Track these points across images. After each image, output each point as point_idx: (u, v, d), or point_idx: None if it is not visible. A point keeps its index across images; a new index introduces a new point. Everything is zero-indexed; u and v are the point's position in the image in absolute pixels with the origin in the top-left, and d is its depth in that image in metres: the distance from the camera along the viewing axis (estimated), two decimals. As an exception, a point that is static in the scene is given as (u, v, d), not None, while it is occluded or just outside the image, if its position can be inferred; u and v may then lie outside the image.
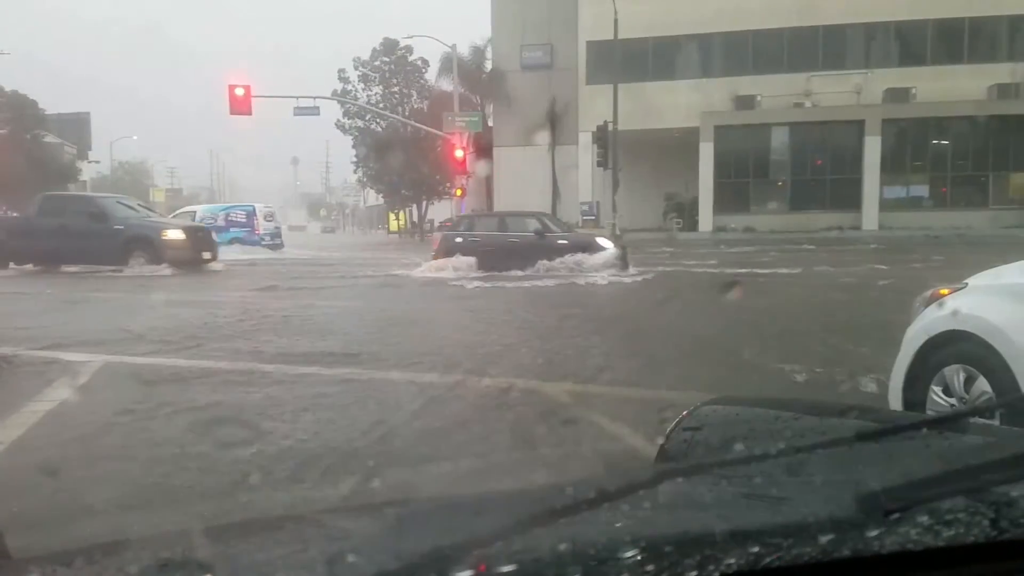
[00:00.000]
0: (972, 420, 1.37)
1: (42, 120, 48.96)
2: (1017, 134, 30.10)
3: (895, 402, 3.94)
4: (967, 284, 4.06)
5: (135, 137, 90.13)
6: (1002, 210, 30.10)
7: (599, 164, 30.96)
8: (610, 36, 29.39)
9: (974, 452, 1.09)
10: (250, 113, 28.32)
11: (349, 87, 43.55)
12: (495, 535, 0.78)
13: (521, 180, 37.14)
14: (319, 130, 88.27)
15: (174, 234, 19.16)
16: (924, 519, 0.82)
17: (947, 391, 3.75)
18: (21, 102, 46.06)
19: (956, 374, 3.73)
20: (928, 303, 4.15)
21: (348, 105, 42.41)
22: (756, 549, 0.77)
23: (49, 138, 51.08)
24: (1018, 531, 0.83)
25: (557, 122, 37.23)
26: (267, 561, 0.85)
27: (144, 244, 18.52)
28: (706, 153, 31.78)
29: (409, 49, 43.47)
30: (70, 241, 18.40)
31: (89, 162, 65.54)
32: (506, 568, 0.73)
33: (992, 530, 0.82)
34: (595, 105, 32.06)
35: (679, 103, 32.23)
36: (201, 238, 19.63)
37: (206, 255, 19.29)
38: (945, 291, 4.12)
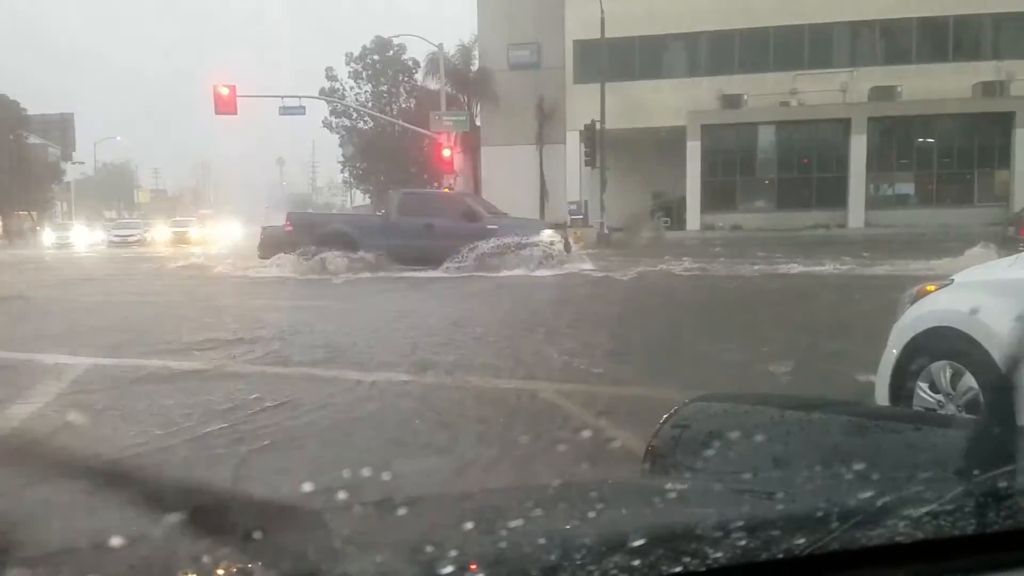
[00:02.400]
0: (956, 414, 1.38)
1: (25, 121, 48.67)
2: (1002, 131, 30.33)
3: (882, 398, 3.95)
4: (953, 280, 4.08)
5: (119, 138, 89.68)
6: (987, 207, 30.32)
7: (587, 163, 31.01)
8: (597, 35, 29.42)
9: (957, 445, 1.09)
10: (235, 113, 28.23)
11: (337, 85, 43.45)
12: (484, 532, 0.77)
13: (509, 179, 37.12)
14: (305, 130, 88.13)
15: (550, 235, 17.72)
16: (912, 511, 0.83)
17: (933, 387, 3.76)
18: (3, 103, 45.74)
19: (942, 370, 3.73)
20: (915, 299, 4.17)
21: (335, 104, 42.31)
22: (743, 543, 0.77)
23: (32, 139, 50.77)
24: (1005, 523, 0.83)
25: (545, 121, 37.25)
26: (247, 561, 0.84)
27: (524, 246, 16.79)
28: (693, 152, 31.89)
29: (403, 48, 43.42)
30: (436, 241, 16.88)
31: (73, 163, 65.23)
32: (496, 565, 0.72)
33: (979, 522, 0.83)
34: (582, 104, 32.10)
35: (666, 102, 32.31)
36: (566, 240, 18.22)
37: (566, 255, 17.58)
38: (932, 287, 4.14)
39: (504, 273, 15.69)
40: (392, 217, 18.12)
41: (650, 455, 1.36)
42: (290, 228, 18.41)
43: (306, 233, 17.77)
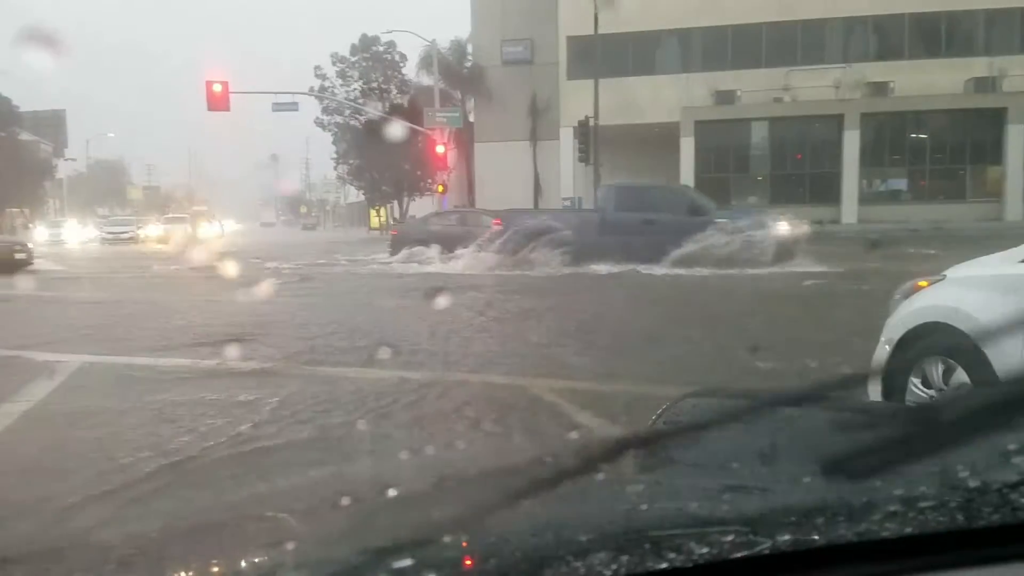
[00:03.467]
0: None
1: (17, 117, 48.45)
2: (994, 127, 30.41)
3: (874, 394, 3.95)
4: (945, 276, 4.08)
5: (111, 135, 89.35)
6: (980, 203, 30.42)
7: (580, 159, 31.00)
8: (590, 31, 29.37)
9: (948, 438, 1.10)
10: (228, 109, 28.14)
11: (327, 83, 43.29)
12: (474, 526, 0.78)
13: (503, 176, 37.11)
14: (299, 126, 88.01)
15: (786, 228, 16.50)
16: (898, 507, 0.83)
17: (926, 383, 3.77)
18: (-5, 99, 45.55)
19: (935, 365, 3.75)
20: (907, 295, 4.18)
21: (327, 101, 42.18)
22: (730, 538, 0.77)
23: (24, 135, 50.55)
24: (991, 518, 0.84)
25: (538, 117, 37.23)
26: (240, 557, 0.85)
27: (757, 239, 15.68)
28: (687, 148, 31.90)
29: (392, 45, 43.26)
30: (655, 236, 15.88)
31: (65, 160, 64.97)
32: (487, 559, 0.72)
33: (965, 517, 0.83)
34: (576, 100, 32.08)
35: (660, 98, 32.32)
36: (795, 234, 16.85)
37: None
38: (924, 283, 4.15)
39: (734, 271, 14.53)
40: (608, 213, 17.36)
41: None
42: (499, 224, 18.17)
43: (515, 229, 17.47)
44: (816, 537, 0.79)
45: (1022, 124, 29.29)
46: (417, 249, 19.28)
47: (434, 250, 18.87)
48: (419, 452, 3.97)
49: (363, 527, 0.97)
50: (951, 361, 3.67)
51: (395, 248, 20.50)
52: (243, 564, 0.88)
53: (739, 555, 0.76)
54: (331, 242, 36.70)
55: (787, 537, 0.78)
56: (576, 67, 33.76)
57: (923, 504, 0.84)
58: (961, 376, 3.59)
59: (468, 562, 0.73)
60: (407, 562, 0.71)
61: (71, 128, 64.96)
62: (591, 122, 29.43)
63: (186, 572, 0.89)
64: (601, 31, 29.24)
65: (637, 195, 18.01)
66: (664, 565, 0.74)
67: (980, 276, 3.90)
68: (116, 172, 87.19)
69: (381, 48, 43.18)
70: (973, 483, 0.88)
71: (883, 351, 3.99)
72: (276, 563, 0.83)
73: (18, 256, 19.06)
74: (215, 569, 0.90)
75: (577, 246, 16.51)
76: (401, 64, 43.60)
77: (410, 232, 21.34)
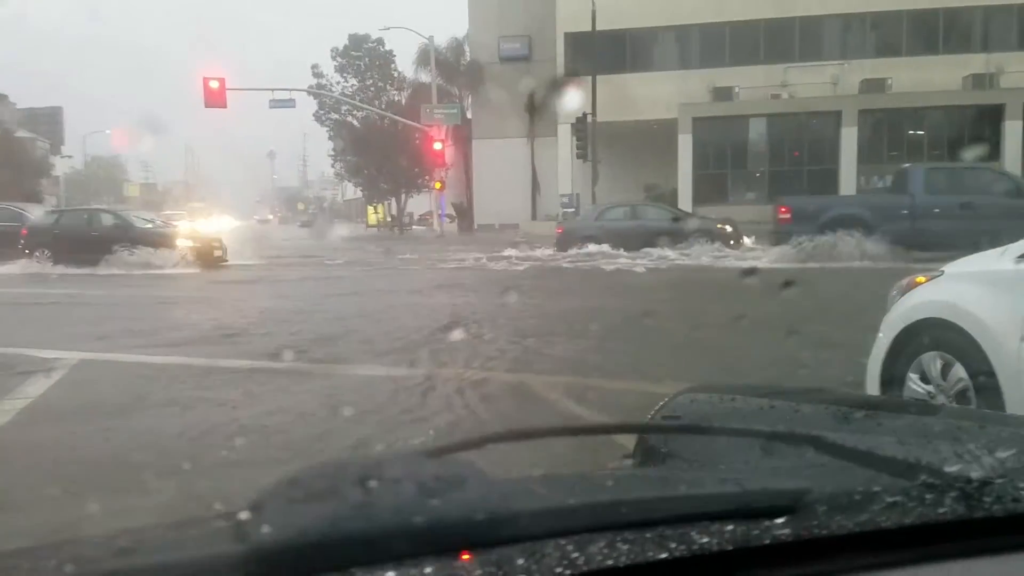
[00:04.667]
0: (947, 404, 1.38)
1: (13, 114, 48.39)
2: (991, 123, 30.44)
3: (872, 388, 3.96)
4: (943, 272, 4.09)
5: (108, 131, 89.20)
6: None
7: (578, 156, 31.00)
8: (588, 28, 29.38)
9: (946, 435, 1.10)
10: (225, 106, 28.13)
11: (324, 80, 43.28)
12: (468, 519, 0.77)
13: (500, 172, 37.13)
14: (296, 123, 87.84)
15: None
16: (897, 498, 0.84)
17: (924, 378, 3.78)
18: (-9, 96, 45.49)
19: (933, 361, 3.75)
20: (905, 291, 4.18)
21: (324, 98, 42.16)
22: (730, 528, 0.78)
23: (21, 133, 50.49)
24: (992, 509, 0.84)
25: (536, 114, 37.22)
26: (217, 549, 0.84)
27: None
28: (684, 145, 31.89)
29: (381, 42, 43.20)
30: (974, 222, 13.98)
31: (62, 157, 64.88)
32: (482, 551, 0.73)
33: (966, 508, 0.84)
34: (574, 97, 32.07)
35: (658, 95, 32.32)
36: None
37: None
38: (922, 279, 4.15)
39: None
40: (917, 196, 16.15)
41: (640, 447, 1.36)
42: (786, 214, 17.27)
43: (807, 218, 16.62)
44: (816, 528, 0.79)
45: (1019, 120, 29.32)
46: (590, 247, 18.95)
47: (605, 247, 18.67)
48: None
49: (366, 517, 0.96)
50: (949, 356, 3.67)
51: (562, 246, 20.02)
52: (232, 552, 0.87)
53: (740, 546, 0.76)
54: (376, 239, 35.52)
55: (787, 529, 0.79)
56: (574, 64, 33.73)
57: (923, 495, 0.84)
58: (959, 372, 3.59)
59: (466, 556, 0.73)
60: (404, 549, 0.71)
61: (68, 125, 65.01)
62: (589, 119, 29.43)
63: (184, 563, 0.88)
64: (599, 28, 29.25)
65: (949, 176, 16.86)
66: (664, 555, 0.74)
67: (978, 272, 3.91)
68: (113, 169, 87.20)
69: (373, 44, 43.17)
70: (974, 474, 0.88)
71: (881, 346, 3.99)
72: (275, 548, 0.82)
73: (216, 253, 19.48)
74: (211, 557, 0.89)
75: (889, 233, 15.34)
76: (394, 60, 43.59)
77: (578, 229, 20.76)
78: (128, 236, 18.95)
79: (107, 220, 20.23)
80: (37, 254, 19.27)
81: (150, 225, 20.43)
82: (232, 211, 62.43)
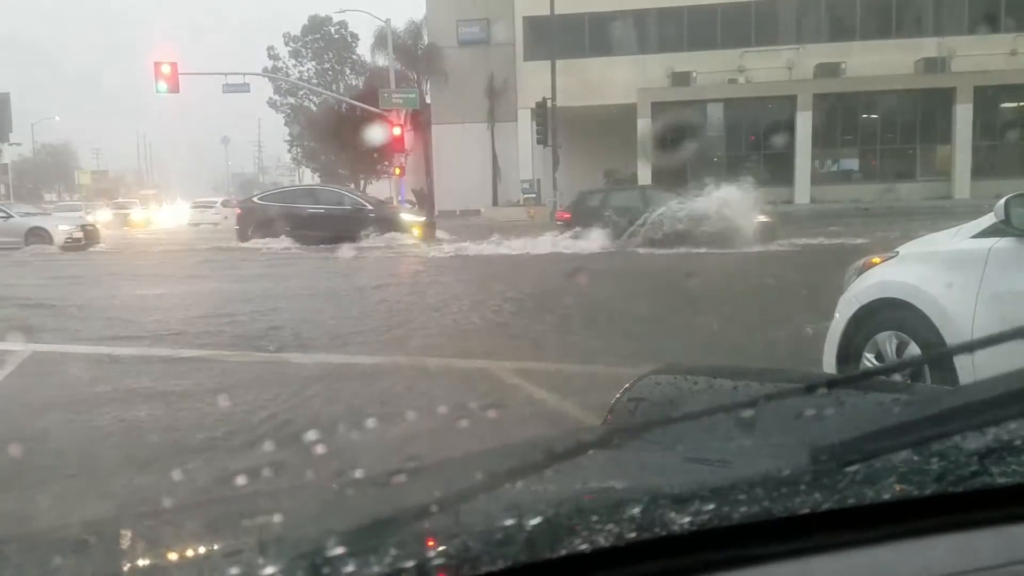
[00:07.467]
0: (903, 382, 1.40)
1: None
2: (943, 107, 31.01)
3: (829, 368, 4.01)
4: (898, 252, 4.15)
5: (57, 118, 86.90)
6: (929, 182, 31.06)
7: (539, 141, 30.94)
8: (546, 11, 29.26)
9: (912, 408, 1.11)
10: (177, 91, 27.51)
11: (280, 64, 42.63)
12: (440, 503, 0.76)
13: (461, 158, 36.90)
14: (251, 108, 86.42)
15: None
16: (873, 474, 0.84)
17: (880, 357, 3.84)
18: (-67, 81, 44.04)
19: (888, 340, 3.81)
20: (860, 271, 4.24)
21: (280, 82, 41.53)
22: (709, 507, 0.77)
23: (-35, 119, 48.96)
24: (966, 484, 0.84)
25: (496, 99, 37.03)
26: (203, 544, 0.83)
27: None
28: (643, 129, 32.02)
29: (344, 24, 42.68)
30: None
31: (10, 144, 63.06)
32: (452, 538, 0.72)
33: (941, 485, 0.84)
34: (534, 81, 31.98)
35: (617, 79, 32.37)
36: None
37: None
38: (877, 260, 4.21)
39: None
40: None
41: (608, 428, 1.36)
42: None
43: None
44: (794, 505, 0.79)
45: (969, 104, 29.91)
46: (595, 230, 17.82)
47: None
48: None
49: (331, 508, 0.96)
50: (904, 336, 3.73)
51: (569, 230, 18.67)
52: (208, 547, 0.87)
53: (717, 524, 0.76)
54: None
55: (765, 505, 0.79)
56: (533, 48, 33.67)
57: (901, 471, 0.84)
58: (914, 350, 3.66)
59: (431, 543, 0.72)
60: (368, 544, 0.70)
61: (16, 113, 63.10)
62: (549, 103, 29.36)
63: (149, 554, 0.87)
64: (557, 11, 29.12)
65: None
66: (645, 536, 0.74)
67: (932, 252, 3.97)
68: (64, 156, 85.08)
69: (333, 28, 42.61)
70: (950, 451, 0.88)
71: (837, 326, 4.05)
72: (241, 544, 0.82)
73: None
74: (180, 550, 0.89)
75: None
76: (354, 44, 43.08)
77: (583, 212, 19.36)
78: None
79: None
80: None
81: None
82: (188, 197, 61.27)
